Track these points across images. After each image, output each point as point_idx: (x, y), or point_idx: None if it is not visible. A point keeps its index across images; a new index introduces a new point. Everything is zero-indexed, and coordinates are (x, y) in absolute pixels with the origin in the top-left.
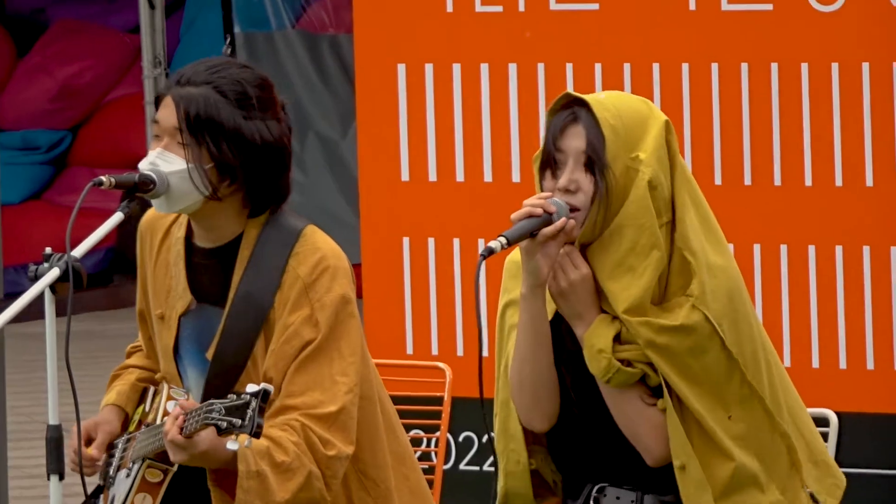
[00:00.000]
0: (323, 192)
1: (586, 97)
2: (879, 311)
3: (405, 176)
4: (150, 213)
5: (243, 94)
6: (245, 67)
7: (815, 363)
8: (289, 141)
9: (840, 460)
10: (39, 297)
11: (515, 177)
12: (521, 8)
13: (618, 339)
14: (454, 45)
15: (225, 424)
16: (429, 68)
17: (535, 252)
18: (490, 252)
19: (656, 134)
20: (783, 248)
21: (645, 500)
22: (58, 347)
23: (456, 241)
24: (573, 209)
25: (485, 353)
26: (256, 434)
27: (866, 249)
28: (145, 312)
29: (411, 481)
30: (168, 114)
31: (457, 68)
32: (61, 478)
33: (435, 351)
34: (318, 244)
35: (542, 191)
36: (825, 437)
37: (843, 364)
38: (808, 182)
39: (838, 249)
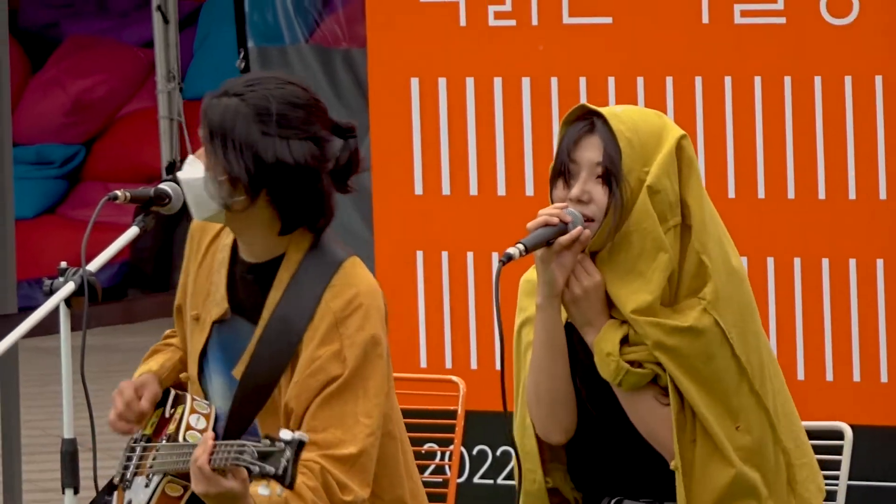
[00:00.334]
0: (336, 205)
1: (602, 109)
2: (893, 324)
3: (419, 189)
4: None
5: (266, 110)
6: (287, 84)
7: (829, 376)
8: (317, 163)
9: (854, 473)
10: (54, 312)
11: (529, 190)
12: (535, 22)
13: (626, 341)
14: (467, 59)
15: (257, 469)
16: (442, 82)
17: (550, 261)
18: (509, 258)
19: (668, 145)
20: (797, 262)
21: None
22: (73, 361)
23: (470, 255)
24: (587, 219)
25: (498, 367)
26: (290, 486)
27: (880, 263)
28: (183, 308)
29: None
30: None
31: (470, 82)
32: (76, 492)
33: (449, 364)
34: (354, 280)
35: (553, 201)
36: (839, 450)
37: (856, 377)
38: (822, 195)
39: (852, 263)
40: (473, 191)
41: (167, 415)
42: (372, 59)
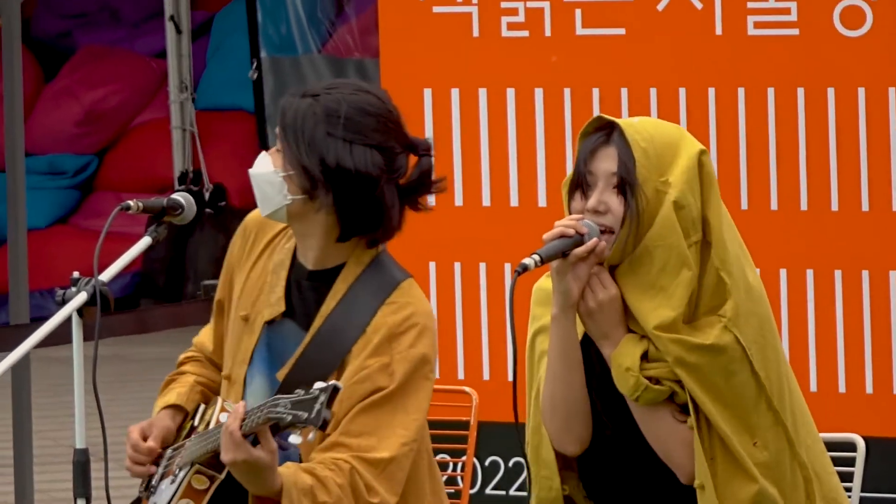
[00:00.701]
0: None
1: (618, 120)
2: None
3: (431, 200)
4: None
5: (335, 112)
6: (363, 92)
7: (842, 388)
8: (379, 172)
9: (867, 485)
10: (66, 322)
11: (542, 201)
12: (548, 33)
13: (645, 357)
14: (480, 69)
15: (290, 418)
16: (455, 93)
17: (565, 272)
18: (524, 269)
19: (688, 158)
20: (809, 273)
21: None
22: (85, 371)
23: (482, 266)
24: (604, 230)
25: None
26: (323, 427)
27: (893, 274)
28: (224, 303)
29: None
30: None
31: (483, 93)
32: (88, 502)
33: (461, 375)
34: (412, 299)
35: (570, 212)
36: (851, 462)
37: (869, 389)
38: (835, 207)
39: (864, 274)
40: (486, 201)
41: (196, 423)
42: (385, 70)
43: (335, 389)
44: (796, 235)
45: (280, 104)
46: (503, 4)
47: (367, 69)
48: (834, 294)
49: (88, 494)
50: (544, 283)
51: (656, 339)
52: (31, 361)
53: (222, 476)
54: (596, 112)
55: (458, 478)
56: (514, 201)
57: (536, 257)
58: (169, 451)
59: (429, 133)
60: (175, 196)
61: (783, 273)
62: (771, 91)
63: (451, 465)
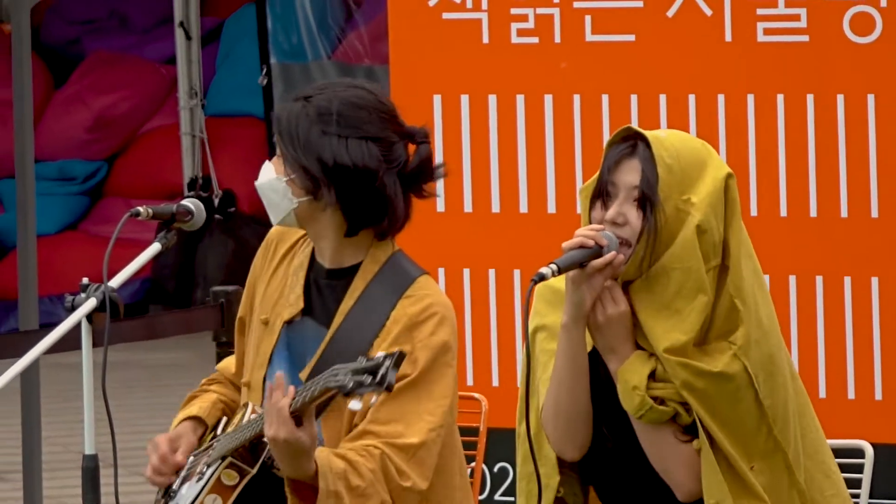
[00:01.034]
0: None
1: (647, 133)
2: None
3: (440, 206)
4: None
5: (327, 110)
6: (353, 87)
7: (851, 394)
8: (377, 163)
9: (875, 492)
10: (76, 328)
11: (551, 208)
12: (557, 39)
13: (652, 376)
14: (490, 76)
15: (352, 384)
16: (464, 99)
17: (581, 283)
18: (542, 278)
19: (714, 181)
20: (818, 280)
21: None
22: (94, 377)
23: (491, 272)
24: (622, 242)
25: (520, 384)
26: (389, 389)
27: None
28: (246, 319)
29: None
30: None
31: (492, 99)
32: None
33: (470, 382)
34: (430, 291)
35: (590, 220)
36: (860, 468)
37: (878, 395)
38: (844, 213)
39: (874, 281)
40: (496, 208)
41: (219, 434)
42: (394, 76)
43: (401, 355)
44: (806, 242)
45: (275, 110)
46: (513, 11)
47: (377, 75)
48: (843, 300)
49: (98, 500)
50: (552, 281)
51: (665, 361)
52: (40, 367)
53: (254, 471)
54: (605, 118)
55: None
56: (523, 208)
57: (554, 267)
58: (190, 458)
59: (438, 139)
60: (184, 202)
61: (792, 279)
62: (780, 98)
63: None
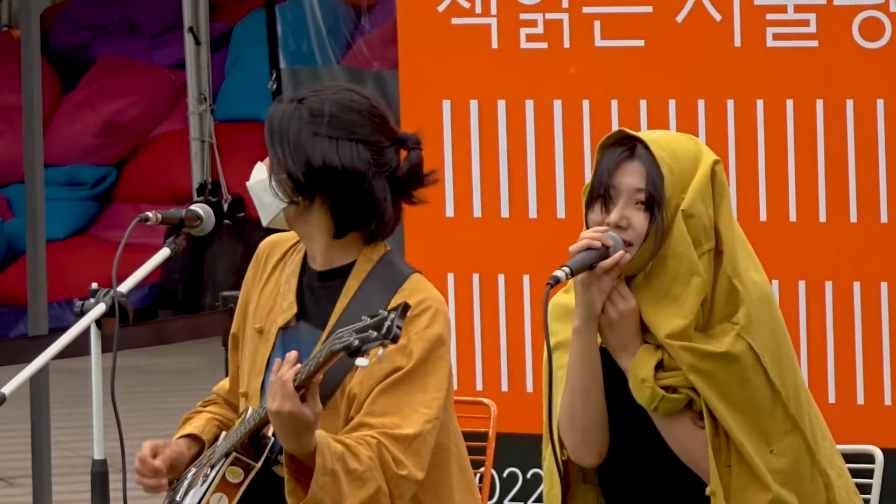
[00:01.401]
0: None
1: (641, 135)
2: None
3: (450, 212)
4: (275, 235)
5: (319, 112)
6: (347, 90)
7: (860, 399)
8: (367, 166)
9: (885, 497)
10: (85, 333)
11: (560, 213)
12: (567, 44)
13: (660, 366)
14: (499, 81)
15: (357, 342)
16: (474, 104)
17: (590, 285)
18: (556, 281)
19: (703, 169)
20: (828, 285)
21: None
22: (103, 383)
23: (501, 277)
24: (626, 244)
25: (529, 389)
26: (395, 340)
27: None
28: (239, 335)
29: None
30: None
31: (502, 104)
32: None
33: (479, 386)
34: (423, 287)
35: (588, 223)
36: (870, 474)
37: (888, 400)
38: (853, 219)
39: (883, 286)
40: (505, 213)
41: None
42: (404, 81)
43: (406, 306)
44: (815, 247)
45: (268, 110)
46: (522, 16)
47: (386, 80)
48: (853, 306)
49: None
50: (560, 298)
51: (669, 347)
52: (49, 372)
53: (258, 465)
54: (615, 123)
55: (477, 489)
56: (532, 213)
57: (567, 269)
58: (192, 468)
59: (447, 144)
60: (194, 207)
61: (802, 285)
62: (790, 103)
63: None
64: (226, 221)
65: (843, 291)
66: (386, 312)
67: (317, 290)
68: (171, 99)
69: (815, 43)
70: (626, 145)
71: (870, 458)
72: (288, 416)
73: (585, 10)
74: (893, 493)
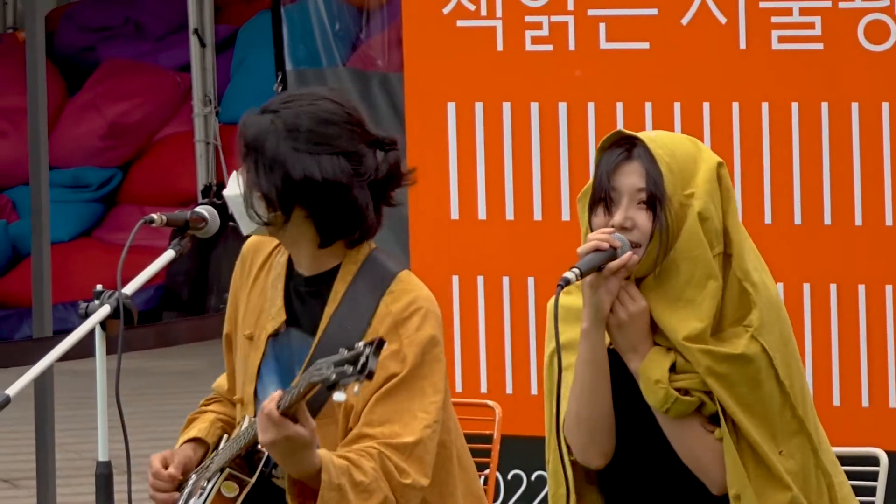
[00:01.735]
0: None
1: (638, 135)
2: None
3: (454, 214)
4: (256, 237)
5: (296, 126)
6: (322, 100)
7: (865, 402)
8: (349, 178)
9: (889, 499)
10: (89, 335)
11: (565, 215)
12: (572, 47)
13: (673, 368)
14: (504, 83)
15: (334, 376)
16: (479, 107)
17: (599, 286)
18: (567, 282)
19: (707, 171)
20: (833, 287)
21: None
22: (108, 384)
23: (505, 280)
24: (633, 245)
25: (534, 392)
26: (370, 377)
27: None
28: (232, 336)
29: None
30: None
31: (507, 107)
32: None
33: (484, 389)
34: (412, 286)
35: (591, 227)
36: (874, 476)
37: (892, 403)
38: (858, 221)
39: (888, 289)
40: (510, 215)
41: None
42: (409, 83)
43: (380, 342)
44: (820, 250)
45: (240, 123)
46: (527, 18)
47: (391, 82)
48: (857, 308)
49: None
50: (562, 300)
51: (686, 350)
52: (54, 374)
53: (252, 480)
54: (620, 126)
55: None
56: (537, 215)
57: (577, 271)
58: (193, 475)
59: (453, 146)
60: (198, 209)
61: (806, 287)
62: (795, 105)
63: None
64: (230, 223)
65: (848, 294)
66: (362, 346)
67: (305, 296)
68: (176, 101)
69: (820, 46)
70: (623, 146)
71: (874, 461)
72: (283, 442)
73: (591, 12)
74: None
